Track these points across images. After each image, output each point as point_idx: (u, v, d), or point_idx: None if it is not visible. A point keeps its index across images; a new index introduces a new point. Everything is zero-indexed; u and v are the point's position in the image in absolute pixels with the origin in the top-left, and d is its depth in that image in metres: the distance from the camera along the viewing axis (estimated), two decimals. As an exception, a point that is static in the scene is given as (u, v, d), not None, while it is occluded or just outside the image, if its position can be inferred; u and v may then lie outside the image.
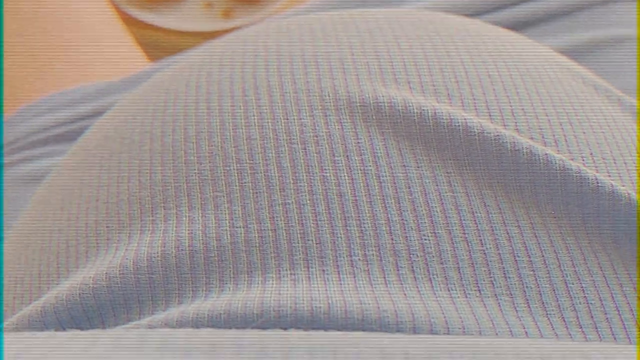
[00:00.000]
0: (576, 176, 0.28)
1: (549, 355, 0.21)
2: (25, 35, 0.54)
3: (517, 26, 0.50)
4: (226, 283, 0.27)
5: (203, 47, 0.37)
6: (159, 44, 0.71)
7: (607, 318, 0.27)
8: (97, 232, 0.30)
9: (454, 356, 0.20)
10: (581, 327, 0.26)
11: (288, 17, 0.52)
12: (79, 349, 0.20)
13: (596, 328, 0.26)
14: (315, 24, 0.35)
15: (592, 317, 0.27)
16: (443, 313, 0.26)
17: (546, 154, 0.28)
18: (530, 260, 0.27)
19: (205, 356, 0.20)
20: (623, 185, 0.29)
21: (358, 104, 0.30)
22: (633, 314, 0.27)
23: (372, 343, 0.21)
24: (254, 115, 0.30)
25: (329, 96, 0.31)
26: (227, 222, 0.28)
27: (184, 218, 0.29)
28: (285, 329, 0.26)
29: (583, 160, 0.29)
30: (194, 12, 0.72)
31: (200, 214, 0.29)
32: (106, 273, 0.28)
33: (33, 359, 0.19)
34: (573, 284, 0.27)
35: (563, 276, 0.27)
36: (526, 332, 0.26)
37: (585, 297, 0.27)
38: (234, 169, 0.29)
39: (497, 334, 0.26)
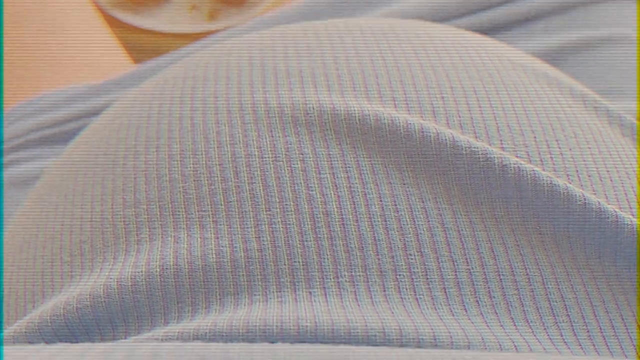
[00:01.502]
0: (563, 192, 0.28)
1: None
2: (9, 38, 0.54)
3: (506, 26, 0.50)
4: (212, 304, 0.27)
5: (187, 60, 0.37)
6: (144, 47, 0.71)
7: (589, 334, 0.27)
8: (81, 251, 0.30)
9: None
10: (565, 343, 0.27)
11: (271, 26, 0.52)
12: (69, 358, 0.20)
13: (579, 344, 0.27)
14: (300, 37, 0.35)
15: (574, 333, 0.27)
16: (432, 329, 0.26)
17: (533, 171, 0.28)
18: (515, 279, 0.27)
19: None
20: (609, 204, 0.29)
21: (343, 121, 0.30)
22: (614, 331, 0.27)
23: (361, 355, 0.21)
24: (238, 133, 0.30)
25: (314, 113, 0.30)
26: (212, 241, 0.28)
27: (169, 237, 0.29)
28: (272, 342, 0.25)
29: (568, 177, 0.29)
30: (179, 14, 0.71)
31: (186, 233, 0.28)
32: (90, 293, 0.28)
33: None
34: (556, 301, 0.27)
35: (546, 294, 0.27)
36: (515, 347, 0.26)
37: (568, 314, 0.27)
38: (219, 188, 0.29)
39: (486, 348, 0.26)
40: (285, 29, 0.36)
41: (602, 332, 0.27)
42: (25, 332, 0.29)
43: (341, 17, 0.51)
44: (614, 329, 0.27)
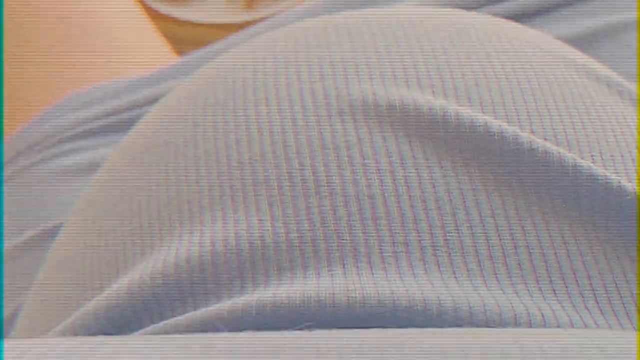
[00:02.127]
0: (586, 173, 0.30)
1: (567, 347, 0.23)
2: (52, 32, 0.56)
3: (533, 13, 0.51)
4: (270, 278, 0.29)
5: (232, 51, 0.39)
6: (184, 38, 0.73)
7: (609, 301, 0.29)
8: (150, 232, 0.32)
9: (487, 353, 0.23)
10: (588, 310, 0.29)
11: (308, 13, 0.54)
12: (131, 351, 0.22)
13: (601, 311, 0.29)
14: (342, 27, 0.37)
15: (597, 301, 0.29)
16: (467, 300, 0.28)
17: (559, 153, 0.31)
18: (543, 252, 0.29)
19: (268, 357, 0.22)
20: (629, 182, 0.31)
21: (384, 108, 0.32)
22: (633, 299, 0.29)
23: (413, 343, 0.23)
24: (288, 123, 0.32)
25: (357, 102, 0.32)
26: (269, 223, 0.30)
27: (230, 219, 0.31)
28: (330, 324, 0.28)
29: (592, 158, 0.31)
30: (217, 4, 0.73)
31: (244, 216, 0.31)
32: (161, 271, 0.31)
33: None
34: (581, 272, 0.29)
35: (571, 266, 0.29)
36: (542, 314, 0.28)
37: (590, 283, 0.29)
38: (272, 174, 0.31)
39: (515, 315, 0.28)
40: (324, 20, 0.38)
41: (622, 300, 0.29)
42: (105, 307, 0.31)
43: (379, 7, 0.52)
44: (633, 297, 0.29)
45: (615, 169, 0.31)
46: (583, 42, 0.49)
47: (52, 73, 0.56)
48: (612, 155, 0.31)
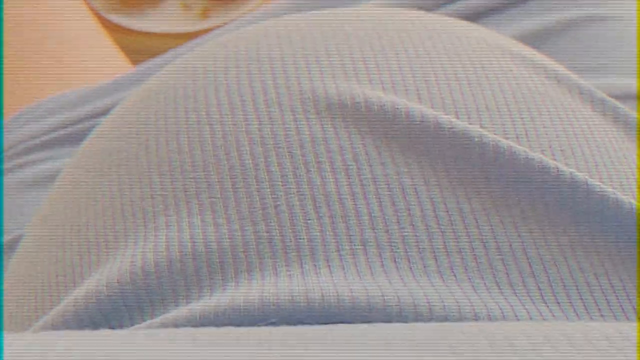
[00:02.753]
0: (538, 165, 0.31)
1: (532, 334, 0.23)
2: (9, 44, 0.56)
3: (487, 12, 0.52)
4: (228, 282, 0.29)
5: (187, 56, 0.39)
6: (140, 49, 0.72)
7: (567, 294, 0.29)
8: (106, 239, 0.32)
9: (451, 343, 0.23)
10: (546, 304, 0.29)
11: (262, 19, 0.54)
12: (119, 341, 0.22)
13: (558, 303, 0.29)
14: (291, 27, 0.37)
15: (553, 294, 0.29)
16: (426, 296, 0.28)
17: (510, 146, 0.31)
18: (498, 246, 0.30)
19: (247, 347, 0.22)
20: (580, 172, 0.31)
21: (336, 105, 0.32)
22: (590, 290, 0.29)
23: (379, 334, 0.23)
24: (241, 122, 0.32)
25: (309, 98, 0.33)
26: (224, 226, 0.30)
27: (184, 224, 0.31)
28: (289, 321, 0.28)
29: (542, 152, 0.32)
30: (172, 14, 0.73)
31: (199, 219, 0.31)
32: (117, 279, 0.31)
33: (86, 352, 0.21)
34: (537, 265, 0.30)
35: (527, 259, 0.30)
36: (501, 309, 0.29)
37: (547, 277, 0.29)
38: (226, 175, 0.31)
39: (474, 310, 0.28)
40: (277, 21, 0.38)
41: (570, 290, 0.29)
42: (62, 317, 0.31)
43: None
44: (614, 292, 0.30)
45: (565, 162, 0.31)
46: (535, 38, 0.49)
47: (12, 86, 0.55)
48: (561, 149, 0.32)
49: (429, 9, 0.51)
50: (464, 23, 0.39)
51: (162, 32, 0.72)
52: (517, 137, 0.32)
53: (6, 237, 0.50)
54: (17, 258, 0.38)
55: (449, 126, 0.31)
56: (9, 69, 0.56)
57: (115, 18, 0.72)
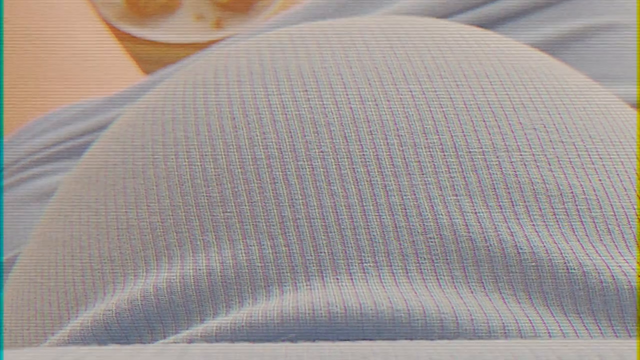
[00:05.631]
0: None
1: (566, 355, 0.22)
2: (19, 55, 0.55)
3: (504, 19, 0.51)
4: (245, 299, 0.28)
5: (195, 65, 0.38)
6: (152, 58, 0.72)
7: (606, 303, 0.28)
8: (111, 259, 0.31)
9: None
10: (579, 315, 0.28)
11: (276, 28, 0.53)
12: (129, 356, 0.21)
13: (594, 315, 0.28)
14: (308, 37, 0.36)
15: (590, 304, 0.28)
16: (452, 307, 0.27)
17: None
18: (533, 252, 0.29)
19: None
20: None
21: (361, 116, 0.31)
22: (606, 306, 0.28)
23: (401, 352, 0.22)
24: (257, 135, 0.31)
25: (331, 112, 0.32)
26: (240, 242, 0.29)
27: (198, 242, 0.30)
28: (310, 337, 0.27)
29: (571, 163, 0.31)
30: (185, 24, 0.72)
31: (214, 236, 0.30)
32: (128, 299, 0.29)
33: None
34: (571, 276, 0.29)
35: (567, 270, 0.28)
36: (530, 321, 0.27)
37: (586, 283, 0.28)
38: (242, 190, 0.30)
39: (503, 323, 0.27)
40: (291, 29, 0.37)
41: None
42: (68, 340, 0.30)
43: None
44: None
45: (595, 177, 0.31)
46: (551, 46, 0.48)
47: (21, 96, 0.55)
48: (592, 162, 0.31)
49: (444, 16, 0.51)
50: (486, 32, 0.38)
51: (175, 42, 0.71)
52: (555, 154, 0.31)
53: (7, 255, 0.49)
54: (17, 277, 0.37)
55: None
56: (19, 79, 0.55)
57: (127, 28, 0.71)
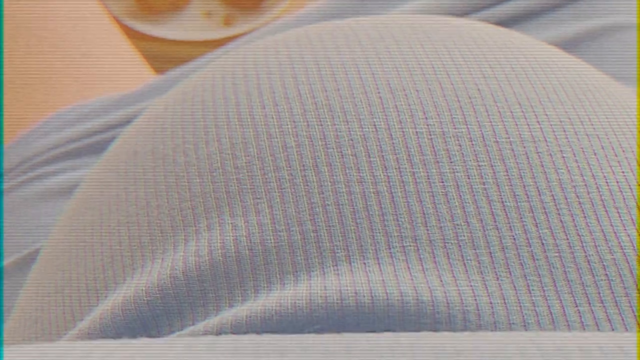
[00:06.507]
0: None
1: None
2: (31, 53, 0.55)
3: (518, 19, 0.51)
4: (273, 284, 0.29)
5: (221, 60, 0.38)
6: (162, 55, 0.72)
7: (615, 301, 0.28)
8: (141, 244, 0.31)
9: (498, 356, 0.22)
10: (602, 302, 0.28)
11: (290, 27, 0.53)
12: (157, 352, 0.21)
13: (616, 303, 0.28)
14: (337, 31, 0.36)
15: (612, 292, 0.28)
16: (475, 299, 0.28)
17: None
18: (556, 244, 0.29)
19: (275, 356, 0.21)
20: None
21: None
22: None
23: (422, 344, 0.23)
24: (287, 124, 0.32)
25: (360, 102, 0.32)
26: (269, 226, 0.30)
27: (227, 226, 0.30)
28: (337, 328, 0.27)
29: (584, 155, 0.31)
30: (194, 21, 0.73)
31: (243, 220, 0.30)
32: (157, 284, 0.30)
33: None
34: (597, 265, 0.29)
35: (586, 255, 0.29)
36: (550, 311, 0.28)
37: (607, 274, 0.29)
38: (272, 177, 0.31)
39: (523, 313, 0.27)
40: (318, 26, 0.37)
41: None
42: (99, 326, 0.30)
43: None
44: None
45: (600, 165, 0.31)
46: (568, 45, 0.49)
47: (33, 95, 0.55)
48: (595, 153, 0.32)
49: (459, 14, 0.51)
50: (509, 31, 0.38)
51: (185, 40, 0.71)
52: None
53: (23, 252, 0.49)
54: (41, 265, 0.37)
55: None
56: (29, 78, 0.55)
57: (136, 25, 0.72)
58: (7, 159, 0.53)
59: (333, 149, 0.31)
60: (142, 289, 0.30)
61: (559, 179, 0.30)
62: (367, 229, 0.29)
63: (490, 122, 0.31)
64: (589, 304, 0.28)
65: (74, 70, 0.56)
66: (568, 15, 0.51)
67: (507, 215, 0.29)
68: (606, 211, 0.30)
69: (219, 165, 0.32)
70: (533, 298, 0.28)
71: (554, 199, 0.30)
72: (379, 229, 0.29)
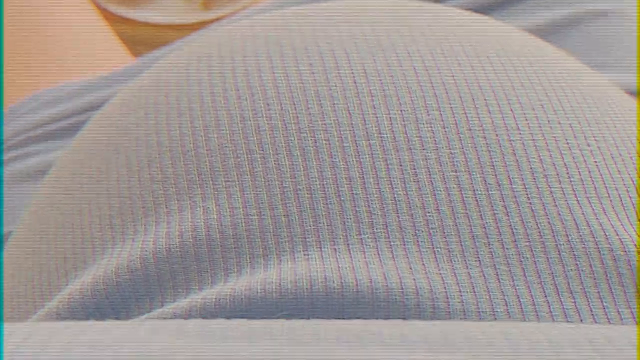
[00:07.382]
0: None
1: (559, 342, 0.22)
2: (7, 35, 0.55)
3: (500, 4, 0.51)
4: (243, 267, 0.29)
5: (196, 43, 0.38)
6: (140, 39, 0.71)
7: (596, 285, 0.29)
8: (112, 225, 0.31)
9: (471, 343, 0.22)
10: (571, 293, 0.28)
11: (271, 8, 0.53)
12: (123, 334, 0.21)
13: (585, 294, 0.28)
14: (314, 15, 0.36)
15: (582, 283, 0.29)
16: (444, 287, 0.28)
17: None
18: (527, 232, 0.29)
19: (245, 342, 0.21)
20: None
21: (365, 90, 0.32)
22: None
23: (391, 331, 0.23)
24: (261, 107, 0.32)
25: (335, 86, 0.32)
26: (240, 210, 0.30)
27: (199, 208, 0.30)
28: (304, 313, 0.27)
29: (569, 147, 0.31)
30: (173, 4, 0.72)
31: (214, 204, 0.30)
32: (127, 265, 0.30)
33: (88, 345, 0.20)
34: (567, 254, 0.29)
35: (556, 245, 0.29)
36: (519, 301, 0.28)
37: (577, 264, 0.29)
38: (245, 159, 0.31)
39: (492, 302, 0.28)
40: (296, 9, 0.37)
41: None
42: (68, 307, 0.30)
43: None
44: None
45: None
46: (544, 33, 0.49)
47: (12, 78, 0.55)
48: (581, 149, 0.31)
49: (437, 1, 0.51)
50: (484, 17, 0.38)
51: (163, 23, 0.71)
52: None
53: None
54: (13, 246, 0.37)
55: None
56: (8, 59, 0.55)
57: (115, 8, 0.71)
58: None
59: (306, 133, 0.31)
60: (112, 270, 0.30)
61: (531, 168, 0.30)
62: (338, 215, 0.29)
63: (464, 109, 0.31)
64: (558, 294, 0.28)
65: (53, 54, 0.56)
66: (541, 2, 0.51)
67: (478, 202, 0.29)
68: (577, 200, 0.30)
69: (191, 147, 0.32)
70: (502, 287, 0.28)
71: (526, 188, 0.30)
72: (350, 215, 0.29)
